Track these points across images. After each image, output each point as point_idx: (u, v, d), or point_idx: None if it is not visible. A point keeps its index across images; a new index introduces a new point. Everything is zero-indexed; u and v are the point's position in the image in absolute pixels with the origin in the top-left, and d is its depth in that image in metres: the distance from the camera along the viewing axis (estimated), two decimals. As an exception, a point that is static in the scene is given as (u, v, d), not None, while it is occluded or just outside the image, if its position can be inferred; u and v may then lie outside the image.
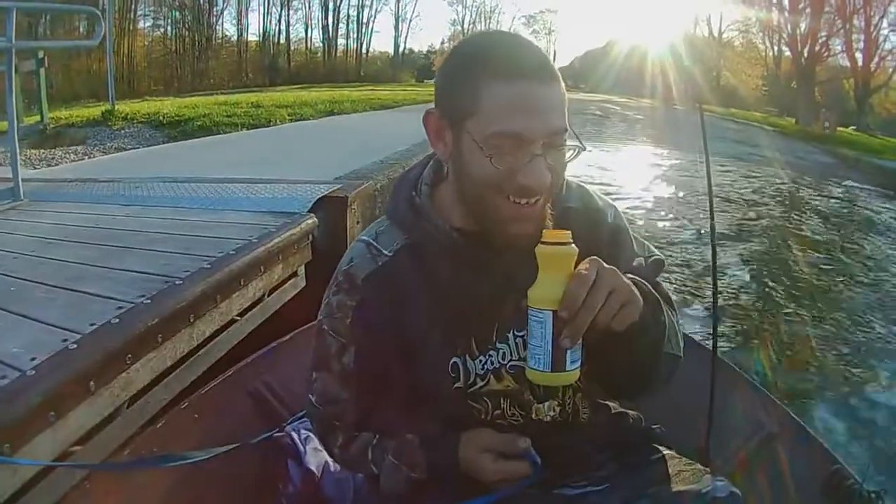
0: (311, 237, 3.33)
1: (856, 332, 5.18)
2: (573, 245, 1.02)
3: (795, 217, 10.19)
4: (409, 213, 1.22)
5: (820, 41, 38.84)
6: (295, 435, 1.77)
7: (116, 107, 11.74)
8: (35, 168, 7.40)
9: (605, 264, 1.00)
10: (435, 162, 1.26)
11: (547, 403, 1.20)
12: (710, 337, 1.48)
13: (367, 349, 1.23)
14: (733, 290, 6.03)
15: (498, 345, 1.19)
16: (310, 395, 1.33)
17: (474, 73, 1.06)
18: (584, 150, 1.11)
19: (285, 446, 1.75)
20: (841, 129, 31.26)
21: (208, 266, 2.49)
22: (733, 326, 5.08)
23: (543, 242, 1.02)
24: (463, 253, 1.17)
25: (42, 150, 8.91)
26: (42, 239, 3.20)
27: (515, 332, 1.18)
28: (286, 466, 1.73)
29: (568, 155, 1.10)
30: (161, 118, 10.94)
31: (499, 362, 1.19)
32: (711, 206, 1.59)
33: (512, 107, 1.03)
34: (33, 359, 1.71)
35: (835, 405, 3.97)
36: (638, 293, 1.04)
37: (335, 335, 1.25)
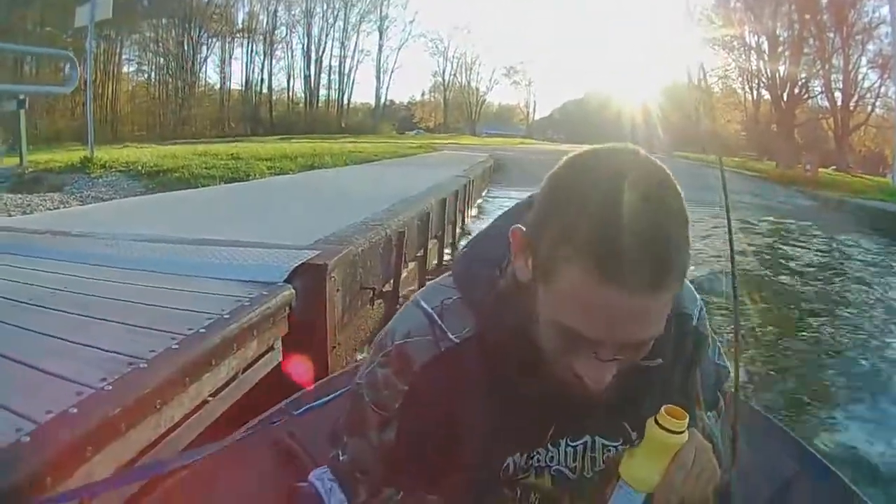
0: (288, 309, 3.21)
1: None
2: (686, 433, 1.00)
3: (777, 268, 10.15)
4: (488, 298, 1.07)
5: (799, 83, 39.87)
6: (319, 485, 1.67)
7: (96, 154, 11.66)
8: (10, 215, 7.29)
9: (702, 440, 1.04)
10: None
11: None
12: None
13: (412, 432, 1.11)
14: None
15: (549, 447, 1.11)
16: (339, 453, 1.23)
17: (566, 234, 0.88)
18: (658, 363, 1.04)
19: (310, 497, 1.66)
20: (822, 169, 31.85)
21: (177, 346, 2.35)
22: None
23: (659, 424, 1.00)
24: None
25: (19, 196, 8.89)
26: (4, 299, 3.07)
27: (569, 441, 1.12)
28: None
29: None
30: (140, 168, 10.91)
31: (545, 463, 1.12)
32: (732, 257, 1.52)
33: (588, 310, 0.88)
34: (-19, 449, 1.58)
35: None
36: (717, 466, 1.06)
37: (378, 409, 1.12)
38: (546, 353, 0.97)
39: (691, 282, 1.21)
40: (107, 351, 2.29)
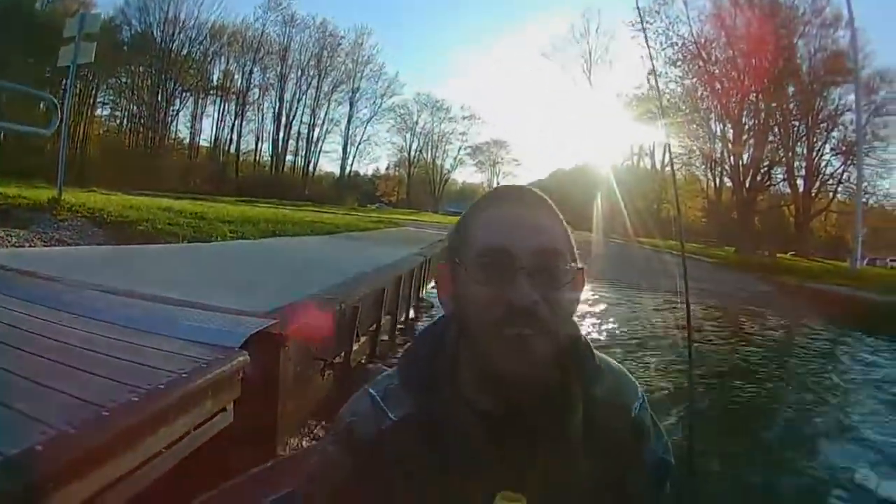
0: (242, 373, 3.34)
1: None
2: None
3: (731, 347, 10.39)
4: (423, 380, 1.22)
5: (762, 171, 40.59)
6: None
7: (63, 195, 11.64)
8: (-25, 246, 7.32)
9: None
10: None
11: None
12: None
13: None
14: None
15: None
16: None
17: (471, 211, 1.22)
18: (580, 270, 1.18)
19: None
20: (780, 255, 32.31)
21: (136, 399, 2.49)
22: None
23: None
24: (472, 435, 1.16)
25: (-17, 226, 8.82)
26: (-31, 334, 3.18)
27: None
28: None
29: (567, 285, 1.14)
30: (105, 216, 10.94)
31: None
32: (690, 352, 1.64)
33: (496, 224, 1.15)
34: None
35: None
36: None
37: (328, 480, 1.24)
38: (479, 324, 1.13)
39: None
40: (71, 396, 2.42)
